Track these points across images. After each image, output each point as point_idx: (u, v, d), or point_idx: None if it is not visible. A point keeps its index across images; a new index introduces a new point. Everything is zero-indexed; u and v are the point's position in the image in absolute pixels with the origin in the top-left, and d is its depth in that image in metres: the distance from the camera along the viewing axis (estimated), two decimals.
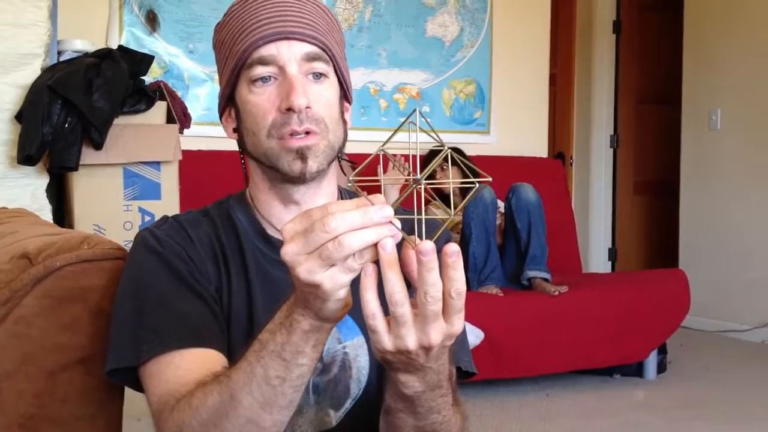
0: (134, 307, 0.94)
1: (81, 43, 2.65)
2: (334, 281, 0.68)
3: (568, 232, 4.30)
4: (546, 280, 3.38)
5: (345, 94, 1.07)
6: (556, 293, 3.26)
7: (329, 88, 1.02)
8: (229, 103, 1.05)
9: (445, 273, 0.67)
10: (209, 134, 3.62)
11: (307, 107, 0.97)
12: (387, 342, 0.70)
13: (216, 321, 0.96)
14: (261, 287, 1.01)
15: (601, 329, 3.33)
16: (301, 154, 0.97)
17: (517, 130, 4.51)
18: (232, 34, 1.00)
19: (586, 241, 5.64)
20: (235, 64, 0.99)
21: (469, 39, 4.38)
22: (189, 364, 0.89)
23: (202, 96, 3.74)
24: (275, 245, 1.03)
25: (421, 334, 0.69)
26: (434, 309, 0.67)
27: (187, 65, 3.70)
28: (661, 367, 3.64)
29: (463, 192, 3.68)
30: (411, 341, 0.69)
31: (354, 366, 1.01)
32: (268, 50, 0.97)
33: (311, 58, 0.99)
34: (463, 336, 1.07)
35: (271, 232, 1.05)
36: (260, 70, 0.98)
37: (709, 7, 4.90)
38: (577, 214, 4.79)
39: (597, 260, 5.85)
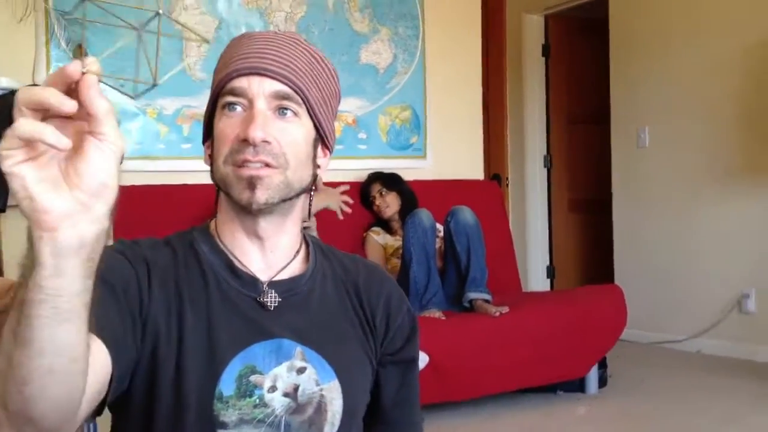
0: None
1: (7, 80, 2.60)
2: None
3: (507, 252, 4.35)
4: (487, 301, 3.41)
5: (323, 141, 1.09)
6: (498, 314, 3.29)
7: (298, 127, 1.03)
8: (210, 130, 1.08)
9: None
10: (141, 169, 3.57)
11: (266, 141, 0.98)
12: None
13: (123, 326, 0.91)
14: (226, 318, 1.01)
15: (542, 347, 3.37)
16: (251, 183, 0.98)
17: (453, 153, 4.57)
18: (220, 64, 1.06)
19: (524, 260, 5.72)
20: (212, 92, 1.05)
21: (402, 66, 4.43)
22: None
23: (133, 130, 3.68)
24: (240, 276, 1.04)
25: None
26: None
27: (118, 99, 3.65)
28: (602, 381, 3.70)
29: (402, 216, 3.70)
30: None
31: (330, 410, 1.03)
32: (240, 83, 1.01)
33: (280, 96, 1.01)
34: None
35: (236, 263, 1.05)
36: (230, 99, 1.01)
37: (631, 31, 5.08)
38: (515, 233, 4.85)
39: (536, 278, 5.94)
